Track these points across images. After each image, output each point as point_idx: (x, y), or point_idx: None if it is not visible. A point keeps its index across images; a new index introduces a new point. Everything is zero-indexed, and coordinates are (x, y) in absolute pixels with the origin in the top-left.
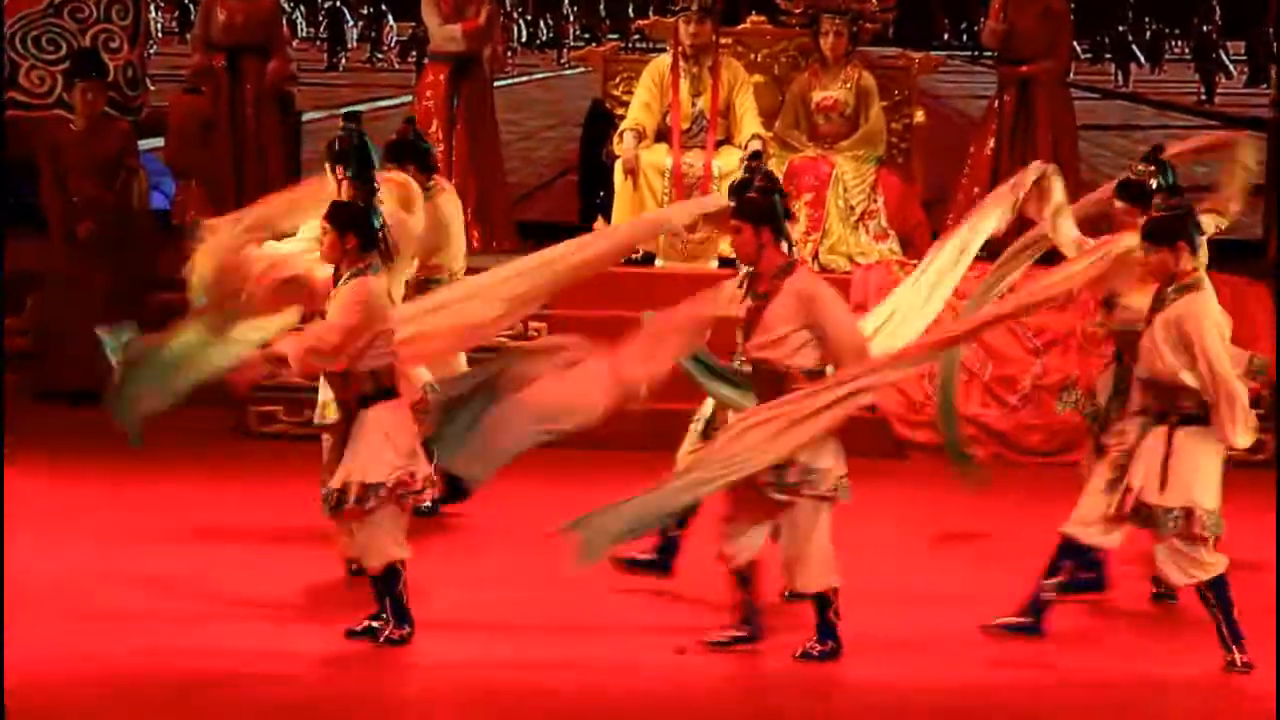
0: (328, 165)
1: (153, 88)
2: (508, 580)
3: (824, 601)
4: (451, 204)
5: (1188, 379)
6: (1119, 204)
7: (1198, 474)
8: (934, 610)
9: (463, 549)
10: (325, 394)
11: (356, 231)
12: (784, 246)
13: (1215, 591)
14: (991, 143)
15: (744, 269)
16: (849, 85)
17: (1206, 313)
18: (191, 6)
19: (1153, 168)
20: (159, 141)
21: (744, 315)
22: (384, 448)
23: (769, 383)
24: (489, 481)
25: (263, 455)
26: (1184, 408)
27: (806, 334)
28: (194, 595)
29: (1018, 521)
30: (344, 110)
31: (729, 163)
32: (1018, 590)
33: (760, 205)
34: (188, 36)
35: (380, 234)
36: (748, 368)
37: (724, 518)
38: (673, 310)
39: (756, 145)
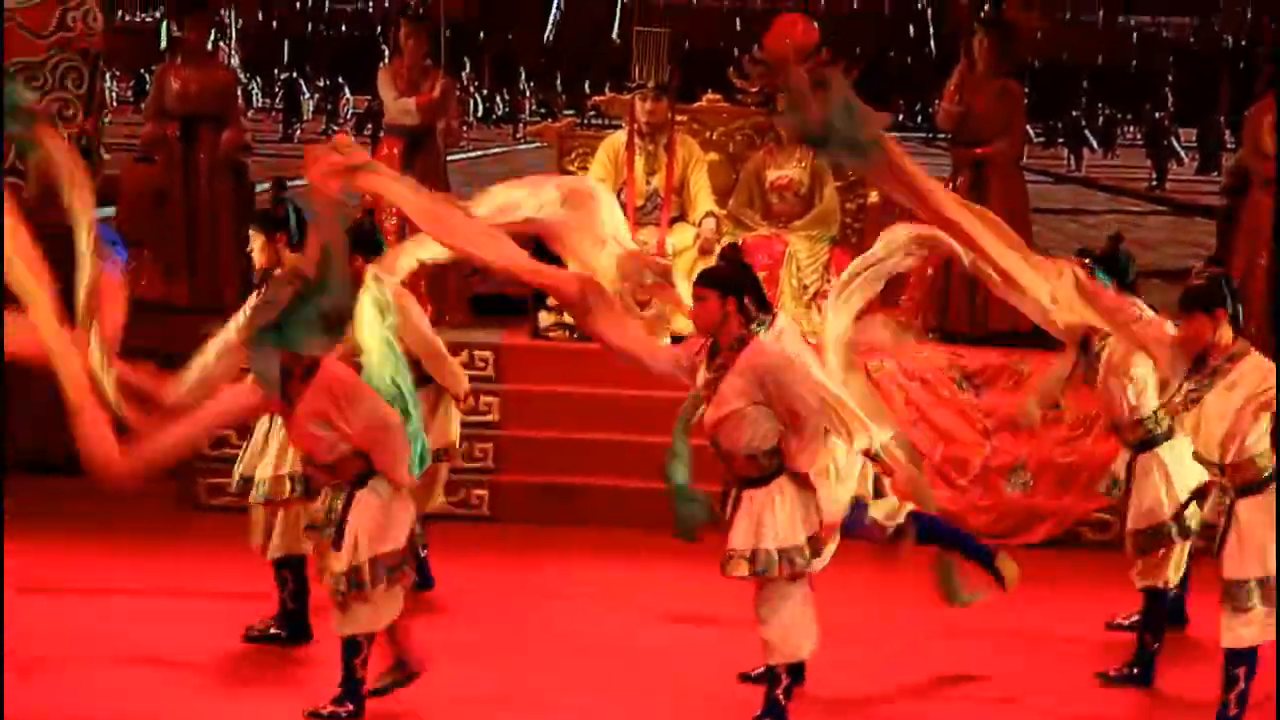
0: (263, 234)
1: (107, 156)
2: (447, 658)
3: (773, 677)
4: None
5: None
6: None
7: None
8: (882, 687)
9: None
10: (263, 471)
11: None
12: (748, 318)
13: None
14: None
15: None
16: (804, 164)
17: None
18: (146, 76)
19: (1123, 258)
20: (112, 210)
21: (703, 388)
22: (389, 523)
23: (724, 460)
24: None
25: (212, 527)
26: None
27: (763, 410)
28: (144, 664)
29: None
30: (275, 178)
31: (683, 240)
32: (958, 671)
33: (727, 273)
34: (142, 105)
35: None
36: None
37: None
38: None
39: (710, 223)
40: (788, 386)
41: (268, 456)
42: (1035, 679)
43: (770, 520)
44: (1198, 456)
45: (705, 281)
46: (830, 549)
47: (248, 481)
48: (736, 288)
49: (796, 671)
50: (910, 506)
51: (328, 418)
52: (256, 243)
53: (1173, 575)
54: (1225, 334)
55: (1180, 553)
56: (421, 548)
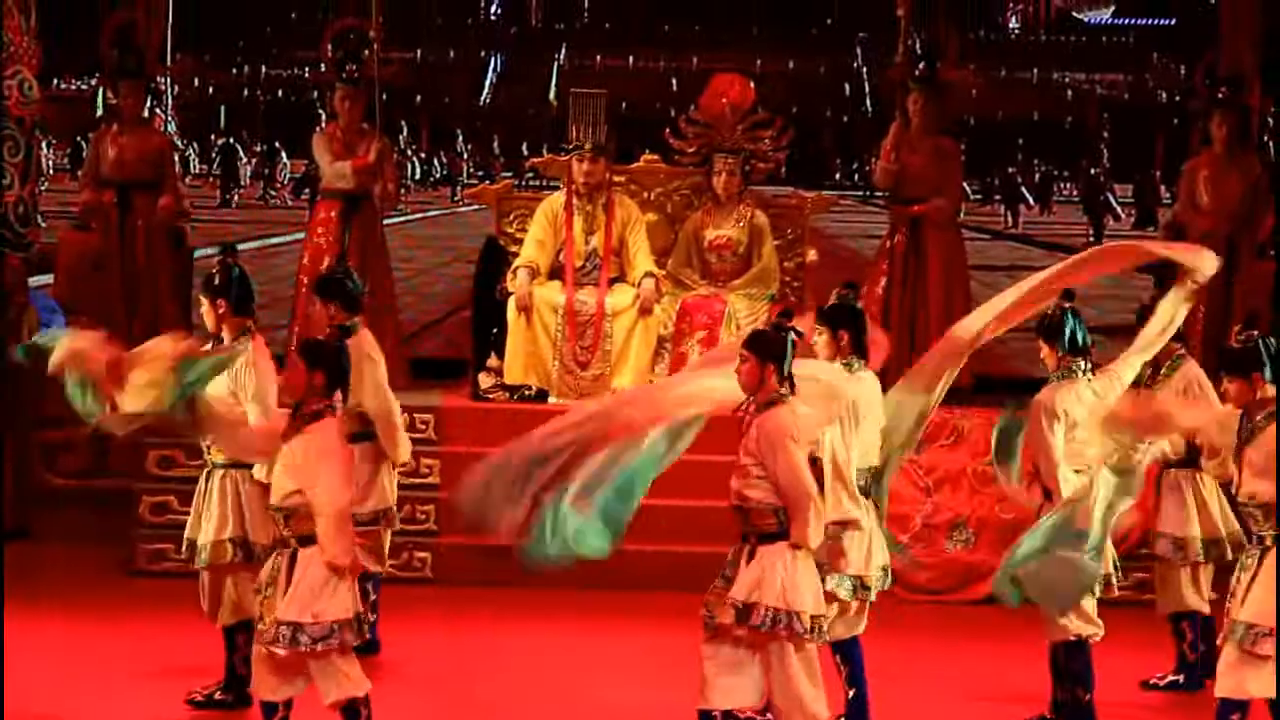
0: (206, 299)
1: (43, 224)
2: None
3: None
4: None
5: None
6: (1231, 384)
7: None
8: None
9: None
10: (204, 537)
11: (325, 369)
12: (784, 385)
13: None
14: (884, 281)
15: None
16: (742, 224)
17: None
18: (83, 143)
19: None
20: (49, 278)
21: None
22: (338, 585)
23: (738, 517)
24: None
25: (153, 593)
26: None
27: (763, 471)
28: None
29: (908, 657)
30: (222, 244)
31: (622, 300)
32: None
33: (768, 339)
34: (79, 173)
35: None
36: None
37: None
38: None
39: (649, 284)
40: (777, 461)
41: (209, 521)
42: None
43: (774, 579)
44: (1235, 504)
45: (747, 345)
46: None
47: (192, 546)
48: (775, 354)
49: None
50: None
51: (299, 469)
52: (203, 308)
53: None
54: (1267, 392)
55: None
56: (370, 612)
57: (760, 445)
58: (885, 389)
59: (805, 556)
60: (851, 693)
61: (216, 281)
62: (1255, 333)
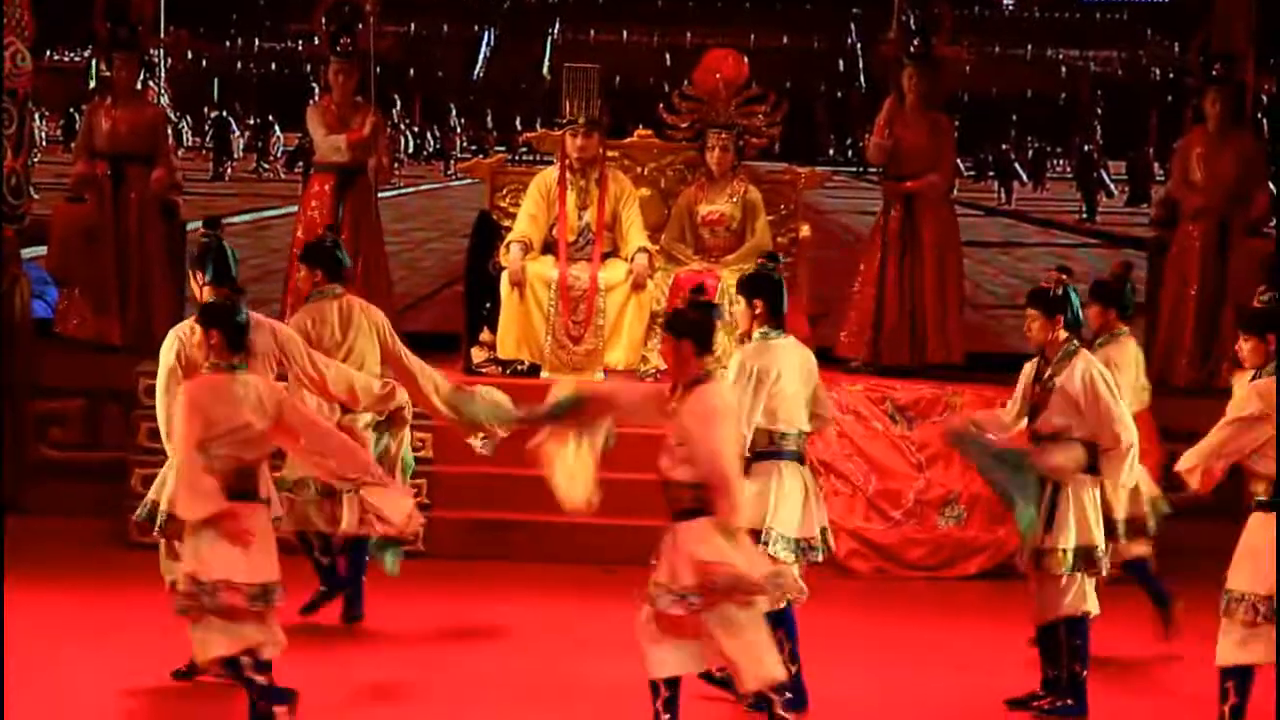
0: (190, 272)
1: (36, 196)
2: (385, 695)
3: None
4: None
5: None
6: (1246, 343)
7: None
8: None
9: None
10: (164, 504)
11: (221, 329)
12: (705, 360)
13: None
14: (878, 258)
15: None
16: (735, 199)
17: None
18: (76, 115)
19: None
20: (42, 250)
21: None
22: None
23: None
24: None
25: (145, 565)
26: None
27: (688, 450)
28: (73, 702)
29: (902, 633)
30: (205, 218)
31: (615, 275)
32: (897, 703)
33: (683, 319)
34: (72, 145)
35: (245, 332)
36: None
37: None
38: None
39: (642, 259)
40: (702, 439)
41: (166, 488)
42: (962, 709)
43: (707, 552)
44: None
45: (665, 327)
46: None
47: (152, 513)
48: (689, 331)
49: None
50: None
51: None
52: (192, 280)
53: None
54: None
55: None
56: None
57: (687, 424)
58: None
59: (730, 533)
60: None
61: (197, 254)
62: (1277, 294)
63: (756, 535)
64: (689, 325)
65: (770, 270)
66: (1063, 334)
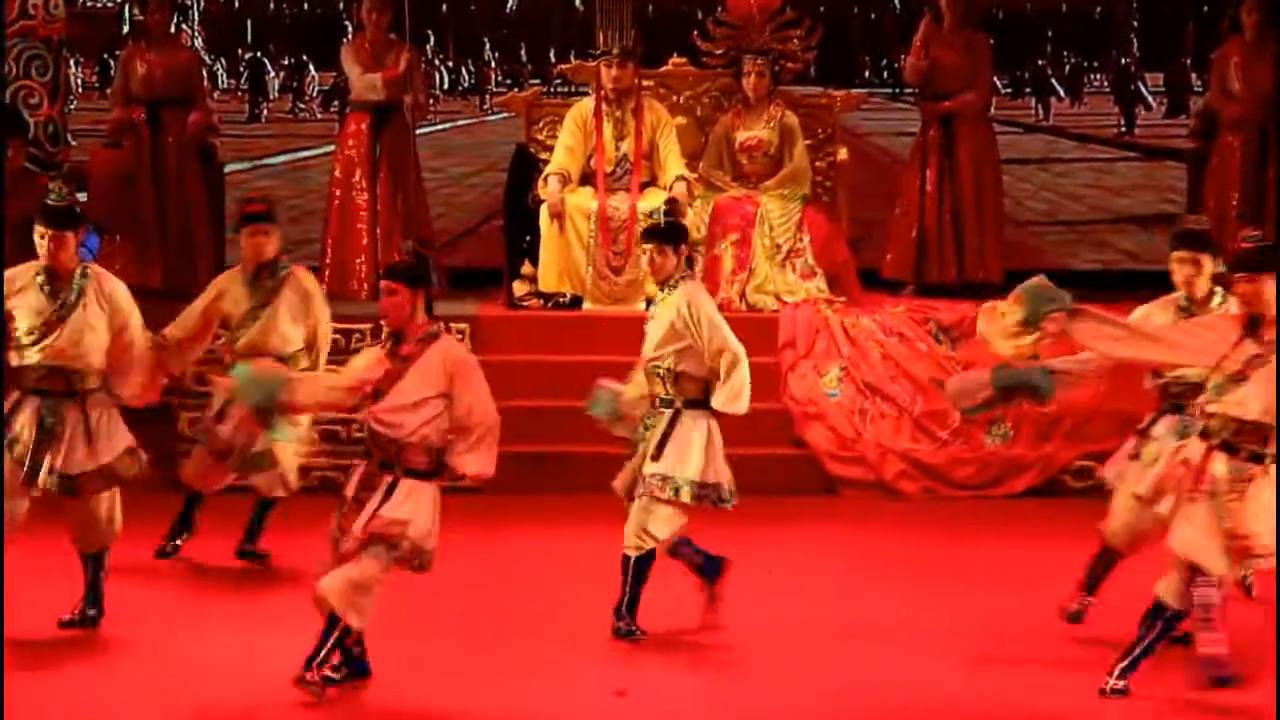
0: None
1: (74, 143)
2: (432, 628)
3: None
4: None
5: None
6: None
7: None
8: (873, 644)
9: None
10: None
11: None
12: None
13: None
14: (918, 178)
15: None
16: (772, 125)
17: None
18: (111, 61)
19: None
20: (82, 196)
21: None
22: None
23: (387, 449)
24: None
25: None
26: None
27: (442, 404)
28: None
29: (952, 552)
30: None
31: (654, 204)
32: (951, 623)
33: (411, 268)
34: (108, 91)
35: None
36: None
37: None
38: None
39: (681, 187)
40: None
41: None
42: (1016, 627)
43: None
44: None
45: (390, 276)
46: None
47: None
48: (422, 282)
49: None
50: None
51: None
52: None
53: None
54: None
55: None
56: None
57: (440, 379)
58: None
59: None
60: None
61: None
62: (1259, 233)
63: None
64: (678, 232)
65: (678, 217)
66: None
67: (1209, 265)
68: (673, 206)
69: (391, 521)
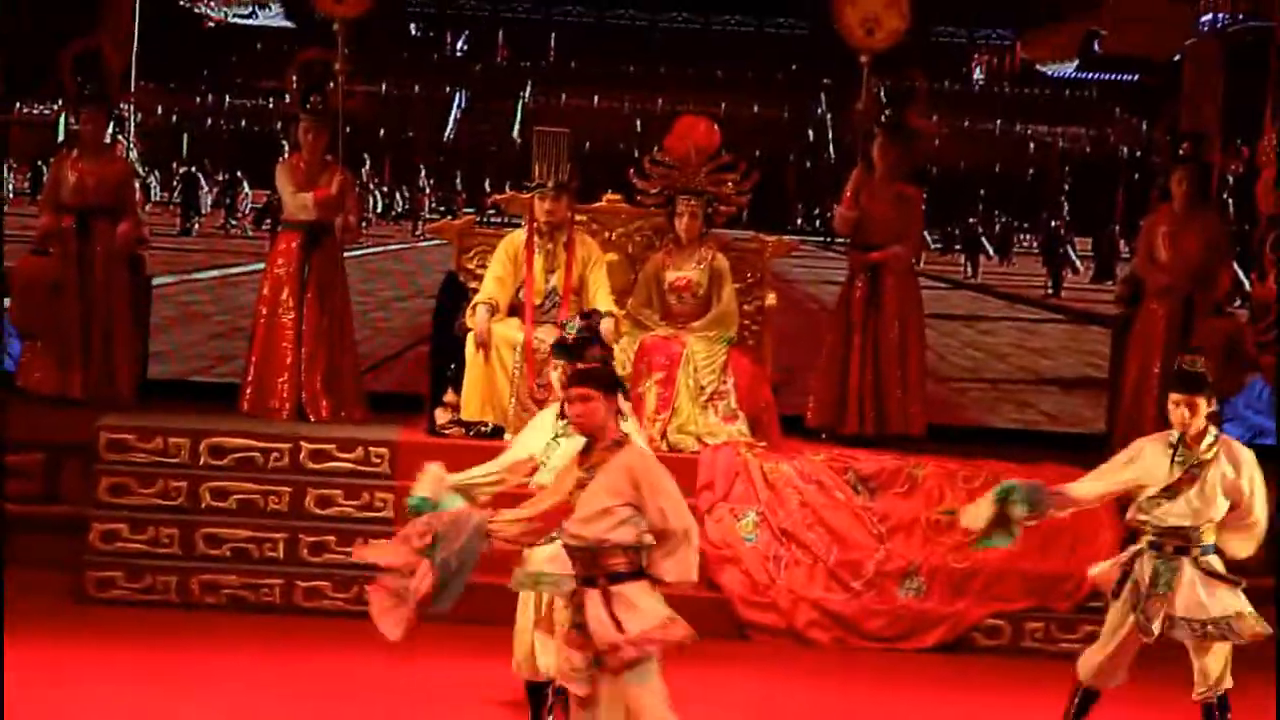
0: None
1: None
2: None
3: None
4: None
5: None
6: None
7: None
8: None
9: None
10: None
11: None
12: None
13: None
14: (843, 328)
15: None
16: (702, 266)
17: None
18: (44, 167)
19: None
20: (5, 302)
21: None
22: None
23: (585, 562)
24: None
25: (100, 621)
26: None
27: (630, 510)
28: None
29: (860, 707)
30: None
31: None
32: None
33: (606, 372)
34: (38, 197)
35: None
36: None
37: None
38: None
39: (608, 323)
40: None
41: None
42: None
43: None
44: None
45: (586, 379)
46: None
47: None
48: (613, 384)
49: None
50: None
51: None
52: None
53: None
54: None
55: None
56: None
57: (626, 487)
58: None
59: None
60: None
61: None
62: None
63: None
64: (611, 378)
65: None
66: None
67: (1204, 406)
68: (591, 319)
69: (639, 640)
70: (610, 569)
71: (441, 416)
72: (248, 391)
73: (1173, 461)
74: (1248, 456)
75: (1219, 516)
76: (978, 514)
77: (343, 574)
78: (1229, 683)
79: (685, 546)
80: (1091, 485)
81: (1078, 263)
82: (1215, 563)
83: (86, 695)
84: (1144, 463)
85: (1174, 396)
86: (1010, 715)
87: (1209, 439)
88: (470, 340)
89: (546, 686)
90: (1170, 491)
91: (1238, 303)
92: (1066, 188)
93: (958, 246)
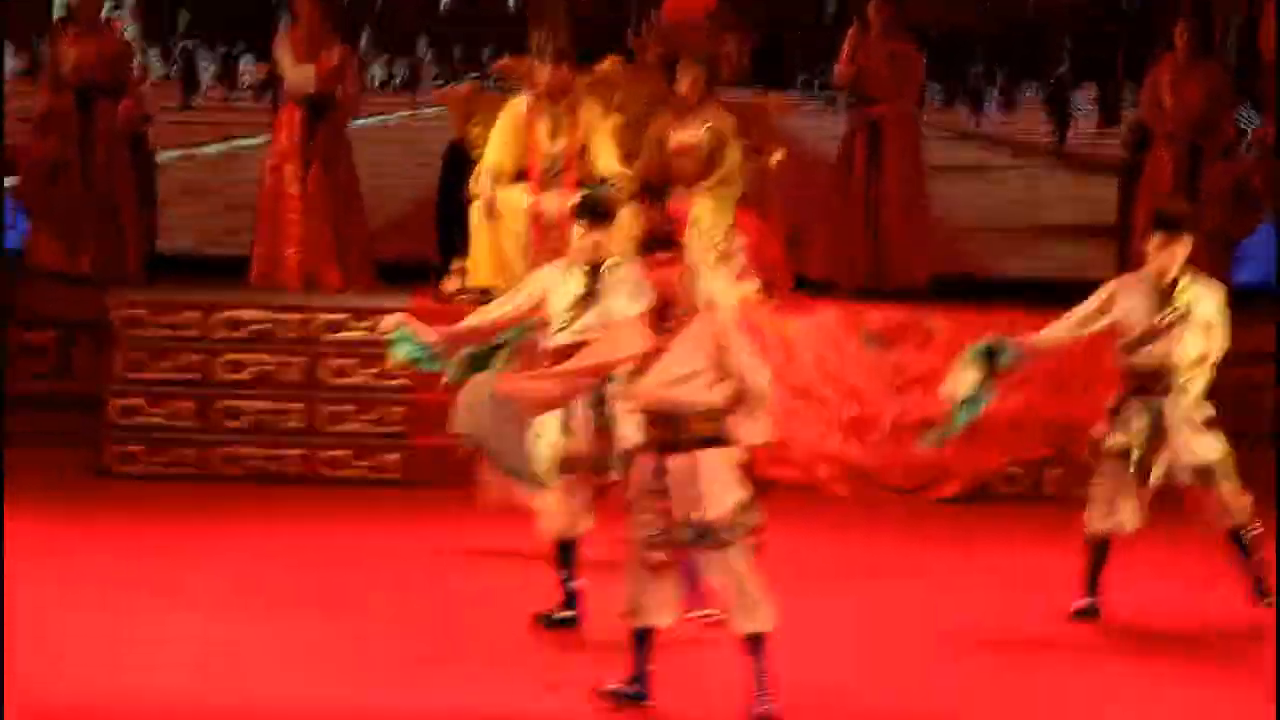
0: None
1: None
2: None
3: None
4: None
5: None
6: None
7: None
8: (805, 645)
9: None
10: None
11: None
12: None
13: None
14: (844, 182)
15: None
16: (706, 127)
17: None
18: (43, 51)
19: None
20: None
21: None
22: None
23: (666, 427)
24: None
25: (123, 495)
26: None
27: (713, 374)
28: (50, 636)
29: (884, 557)
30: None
31: None
32: (878, 621)
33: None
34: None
35: None
36: None
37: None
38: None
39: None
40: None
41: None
42: (943, 629)
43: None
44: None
45: (666, 246)
46: None
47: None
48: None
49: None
50: None
51: None
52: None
53: None
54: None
55: None
56: None
57: (710, 350)
58: None
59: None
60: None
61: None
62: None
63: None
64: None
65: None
66: None
67: (1183, 249)
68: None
69: (732, 510)
70: (696, 433)
71: (451, 284)
72: (256, 264)
73: (1153, 304)
74: (1219, 294)
75: (1200, 356)
76: (963, 378)
77: (363, 442)
78: (1248, 505)
79: (762, 409)
80: (1063, 331)
81: (1083, 110)
82: (1201, 407)
83: (87, 566)
84: (1121, 306)
85: (1155, 239)
86: (1032, 562)
87: (1185, 279)
88: (477, 208)
89: (574, 545)
90: (1150, 334)
91: (1243, 149)
92: (1068, 44)
93: (963, 95)
